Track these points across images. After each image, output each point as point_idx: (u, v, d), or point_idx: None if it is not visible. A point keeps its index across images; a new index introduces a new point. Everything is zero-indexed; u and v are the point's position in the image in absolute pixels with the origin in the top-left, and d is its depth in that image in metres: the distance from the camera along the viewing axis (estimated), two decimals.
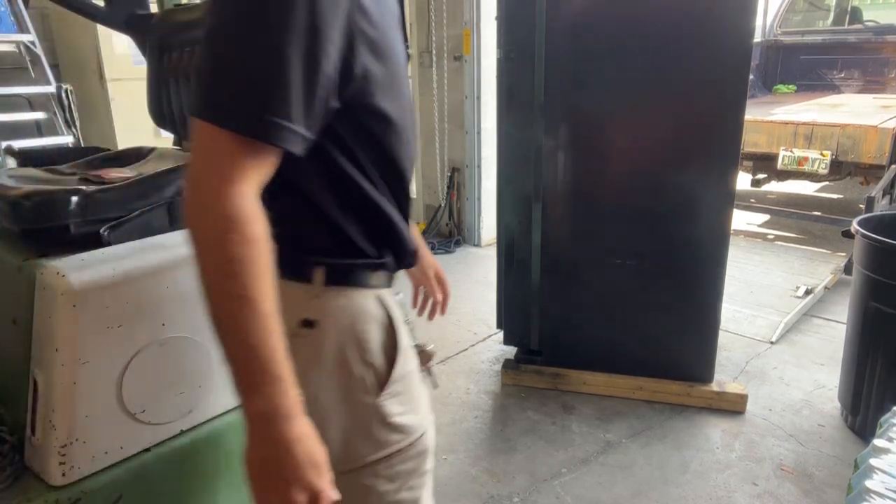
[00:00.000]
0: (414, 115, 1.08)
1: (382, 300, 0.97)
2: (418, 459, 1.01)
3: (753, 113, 4.38)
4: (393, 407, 0.96)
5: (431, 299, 1.34)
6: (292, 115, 0.74)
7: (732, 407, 2.52)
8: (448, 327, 3.23)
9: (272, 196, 0.80)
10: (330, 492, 0.79)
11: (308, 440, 0.79)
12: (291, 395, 0.78)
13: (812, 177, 4.52)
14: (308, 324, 0.91)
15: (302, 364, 0.83)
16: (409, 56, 1.00)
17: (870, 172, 4.22)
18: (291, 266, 0.89)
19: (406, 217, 0.98)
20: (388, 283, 0.99)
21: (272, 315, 0.76)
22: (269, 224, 0.76)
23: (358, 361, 0.94)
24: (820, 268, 3.95)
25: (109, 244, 1.21)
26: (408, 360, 1.00)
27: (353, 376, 0.94)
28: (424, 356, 1.09)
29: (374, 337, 0.95)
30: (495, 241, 2.78)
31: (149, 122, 1.75)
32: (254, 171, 0.74)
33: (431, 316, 1.34)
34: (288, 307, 0.82)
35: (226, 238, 0.72)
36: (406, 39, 0.97)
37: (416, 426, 1.00)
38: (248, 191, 0.73)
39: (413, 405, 1.00)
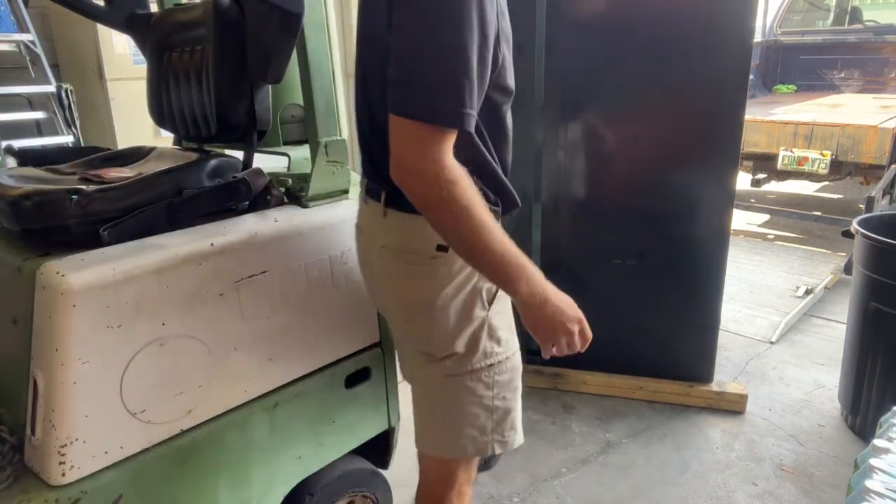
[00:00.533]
0: None
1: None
2: (512, 373, 1.26)
3: (753, 113, 4.38)
4: (498, 321, 1.22)
5: None
6: (473, 105, 0.97)
7: (732, 407, 2.52)
8: None
9: None
10: (584, 320, 1.13)
11: (559, 294, 1.10)
12: (538, 274, 1.06)
13: (812, 177, 4.52)
14: (442, 248, 1.13)
15: (438, 279, 1.14)
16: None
17: (870, 172, 4.22)
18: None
19: (507, 173, 1.22)
20: (496, 213, 1.20)
21: (500, 230, 1.02)
22: None
23: (475, 280, 1.17)
24: (820, 268, 3.95)
25: (109, 244, 1.21)
26: None
27: (471, 291, 1.17)
28: None
29: None
30: None
31: (149, 122, 1.75)
32: (450, 144, 0.97)
33: None
34: (429, 236, 1.09)
35: (456, 194, 0.96)
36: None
37: (513, 343, 1.26)
38: (452, 158, 0.97)
39: (509, 326, 1.26)
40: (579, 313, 1.14)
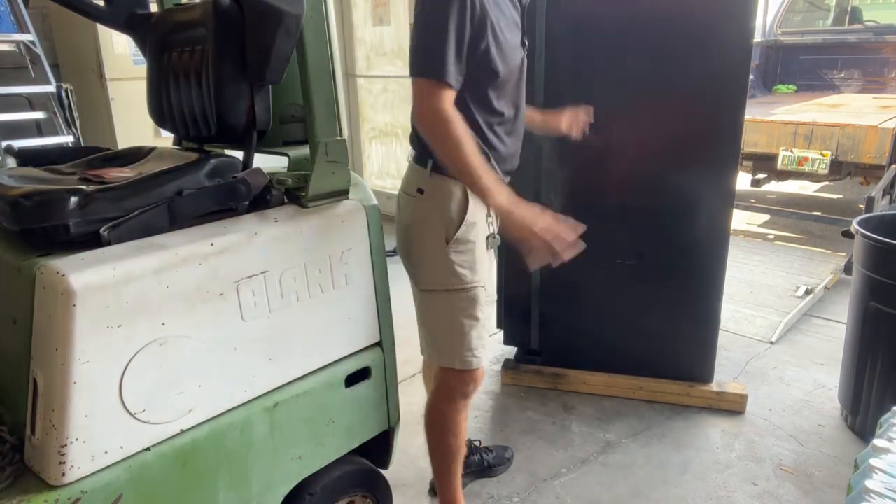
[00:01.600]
0: (520, 87, 1.65)
1: (467, 191, 1.55)
2: (467, 303, 1.62)
3: (753, 113, 4.38)
4: (456, 258, 1.58)
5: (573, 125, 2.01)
6: (451, 67, 1.38)
7: (732, 407, 2.52)
8: None
9: None
10: (558, 228, 1.40)
11: (525, 208, 1.43)
12: (507, 193, 1.44)
13: (812, 177, 4.52)
14: (420, 191, 1.59)
15: (417, 215, 1.61)
16: (525, 44, 1.62)
17: (870, 172, 4.22)
18: (419, 156, 1.60)
19: (507, 154, 1.63)
20: None
21: (480, 160, 1.42)
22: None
23: (440, 221, 1.57)
24: (820, 268, 3.95)
25: (109, 244, 1.21)
26: (473, 235, 1.59)
27: (437, 229, 1.57)
28: (492, 240, 1.66)
29: (453, 210, 1.56)
30: None
31: (149, 122, 1.75)
32: (446, 97, 1.39)
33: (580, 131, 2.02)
34: (415, 179, 1.61)
35: (449, 130, 1.39)
36: (524, 34, 1.61)
37: (470, 279, 1.60)
38: (449, 106, 1.40)
39: (470, 267, 1.60)
40: (547, 221, 1.40)
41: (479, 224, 1.61)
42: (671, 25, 2.27)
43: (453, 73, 1.39)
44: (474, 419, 2.52)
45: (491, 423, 2.51)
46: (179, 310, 1.22)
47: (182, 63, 1.54)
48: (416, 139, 1.60)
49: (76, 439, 1.11)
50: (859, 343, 2.30)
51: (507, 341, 2.86)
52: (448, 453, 1.78)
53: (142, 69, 1.69)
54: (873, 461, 1.16)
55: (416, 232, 1.62)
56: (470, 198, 1.56)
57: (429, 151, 1.52)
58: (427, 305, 1.68)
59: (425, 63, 1.40)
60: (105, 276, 1.12)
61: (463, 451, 1.82)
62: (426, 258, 1.62)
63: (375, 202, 1.60)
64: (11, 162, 1.61)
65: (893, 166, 3.78)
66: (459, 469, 1.83)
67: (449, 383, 1.72)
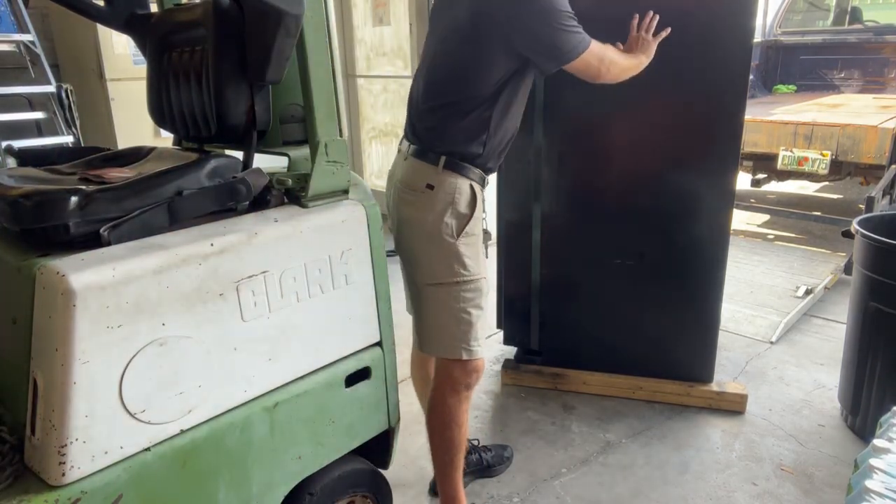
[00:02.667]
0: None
1: (473, 186, 1.68)
2: (475, 293, 1.70)
3: (753, 113, 4.37)
4: (464, 250, 1.67)
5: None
6: (585, 34, 1.64)
7: (732, 407, 2.53)
8: None
9: (459, 114, 1.64)
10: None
11: (648, 49, 1.94)
12: (644, 53, 1.91)
13: (812, 177, 4.52)
14: (430, 187, 1.65)
15: (426, 210, 1.65)
16: None
17: (870, 172, 4.22)
18: (425, 153, 1.67)
19: (486, 153, 1.71)
20: (481, 181, 1.72)
21: (630, 60, 1.85)
22: (440, 127, 1.67)
23: (451, 215, 1.65)
24: (820, 268, 3.95)
25: (109, 244, 1.21)
26: (477, 228, 1.72)
27: (447, 223, 1.65)
28: (486, 235, 1.82)
29: (463, 204, 1.66)
30: (495, 241, 2.79)
31: (149, 122, 1.75)
32: (596, 47, 1.67)
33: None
34: (422, 175, 1.66)
35: (621, 62, 1.78)
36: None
37: (476, 271, 1.70)
38: (603, 50, 1.70)
39: (475, 259, 1.70)
40: (650, 45, 1.93)
41: (479, 218, 1.73)
42: (671, 25, 2.27)
43: (586, 34, 1.63)
44: (474, 419, 2.52)
45: (491, 422, 2.51)
46: (179, 310, 1.22)
47: (182, 63, 1.54)
48: (425, 136, 1.67)
49: (76, 439, 1.11)
50: (859, 343, 2.30)
51: (506, 341, 2.86)
52: (452, 447, 1.80)
53: (142, 69, 1.69)
54: (873, 461, 1.16)
55: (425, 227, 1.66)
56: (477, 193, 1.69)
57: (440, 148, 1.65)
58: (432, 299, 1.71)
59: (572, 45, 1.60)
60: (105, 276, 1.12)
61: (465, 445, 1.85)
62: (434, 252, 1.67)
63: (375, 202, 1.60)
64: (11, 162, 1.61)
65: (893, 166, 3.77)
66: (462, 464, 1.85)
67: (453, 375, 1.75)
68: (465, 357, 1.72)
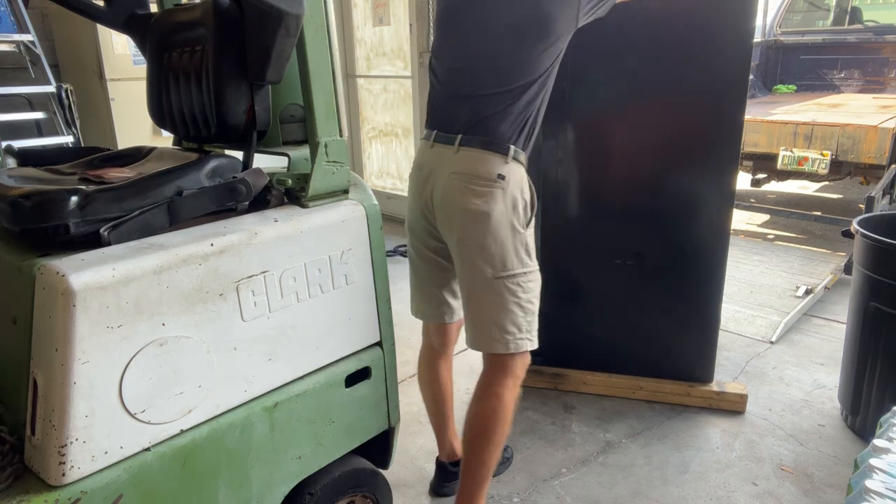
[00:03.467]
0: None
1: (527, 175, 1.69)
2: (537, 283, 1.71)
3: (753, 113, 4.38)
4: (529, 241, 1.68)
5: None
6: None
7: (732, 407, 2.53)
8: None
9: (515, 99, 1.63)
10: None
11: None
12: None
13: (812, 177, 4.52)
14: (501, 177, 1.61)
15: (499, 201, 1.61)
16: None
17: (870, 172, 4.23)
18: (492, 143, 1.62)
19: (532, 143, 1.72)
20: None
21: None
22: (505, 116, 1.63)
23: (520, 204, 1.64)
24: (820, 268, 3.95)
25: (109, 244, 1.21)
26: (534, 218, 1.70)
27: (517, 212, 1.64)
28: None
29: (527, 193, 1.67)
30: None
31: (149, 122, 1.75)
32: None
33: None
34: (493, 165, 1.61)
35: None
36: None
37: (535, 260, 1.70)
38: None
39: (534, 248, 1.70)
40: None
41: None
42: (671, 25, 2.27)
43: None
44: None
45: None
46: (179, 310, 1.22)
47: (182, 63, 1.54)
48: (488, 124, 1.63)
49: (76, 439, 1.11)
50: (859, 343, 2.30)
51: None
52: (501, 444, 1.76)
53: (142, 69, 1.69)
54: (873, 461, 1.16)
55: (500, 217, 1.61)
56: (531, 183, 1.71)
57: (509, 138, 1.63)
58: (500, 291, 1.65)
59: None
60: (105, 276, 1.12)
61: None
62: (509, 243, 1.63)
63: (375, 202, 1.60)
64: (11, 162, 1.61)
65: (893, 166, 3.78)
66: None
67: (515, 370, 1.73)
68: (530, 348, 1.71)
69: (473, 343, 1.74)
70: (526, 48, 1.62)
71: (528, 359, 1.76)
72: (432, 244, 1.80)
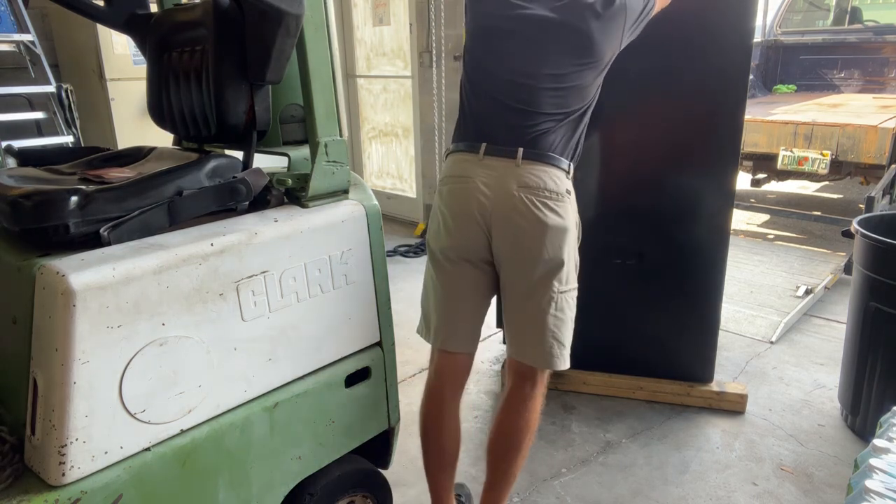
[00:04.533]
0: None
1: None
2: (577, 296, 1.73)
3: (753, 113, 4.38)
4: (578, 255, 1.71)
5: None
6: None
7: (732, 407, 2.53)
8: None
9: (573, 121, 1.67)
10: None
11: None
12: None
13: (812, 177, 4.52)
14: (569, 192, 1.65)
15: (569, 215, 1.63)
16: None
17: (870, 172, 4.23)
18: (556, 159, 1.63)
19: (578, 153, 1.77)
20: None
21: None
22: (563, 135, 1.66)
23: (578, 220, 1.69)
24: (820, 268, 3.95)
25: (109, 244, 1.21)
26: None
27: (579, 229, 1.69)
28: None
29: (577, 209, 1.69)
30: None
31: (149, 122, 1.75)
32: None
33: None
34: (561, 181, 1.63)
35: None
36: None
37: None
38: None
39: None
40: None
41: None
42: (671, 25, 2.27)
43: None
44: (474, 419, 2.52)
45: (491, 422, 2.51)
46: (179, 310, 1.22)
47: (182, 63, 1.54)
48: (555, 143, 1.64)
49: (76, 439, 1.11)
50: (859, 343, 2.30)
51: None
52: (524, 458, 1.80)
53: (142, 69, 1.69)
54: (873, 461, 1.16)
55: (570, 232, 1.64)
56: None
57: (567, 155, 1.66)
58: (562, 307, 1.66)
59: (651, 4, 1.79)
60: (105, 276, 1.12)
61: None
62: (572, 258, 1.67)
63: (375, 202, 1.60)
64: (11, 162, 1.61)
65: (893, 166, 3.78)
66: None
67: (545, 383, 1.76)
68: (567, 365, 1.72)
69: (534, 360, 1.69)
70: (583, 77, 1.66)
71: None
72: (479, 256, 1.68)
